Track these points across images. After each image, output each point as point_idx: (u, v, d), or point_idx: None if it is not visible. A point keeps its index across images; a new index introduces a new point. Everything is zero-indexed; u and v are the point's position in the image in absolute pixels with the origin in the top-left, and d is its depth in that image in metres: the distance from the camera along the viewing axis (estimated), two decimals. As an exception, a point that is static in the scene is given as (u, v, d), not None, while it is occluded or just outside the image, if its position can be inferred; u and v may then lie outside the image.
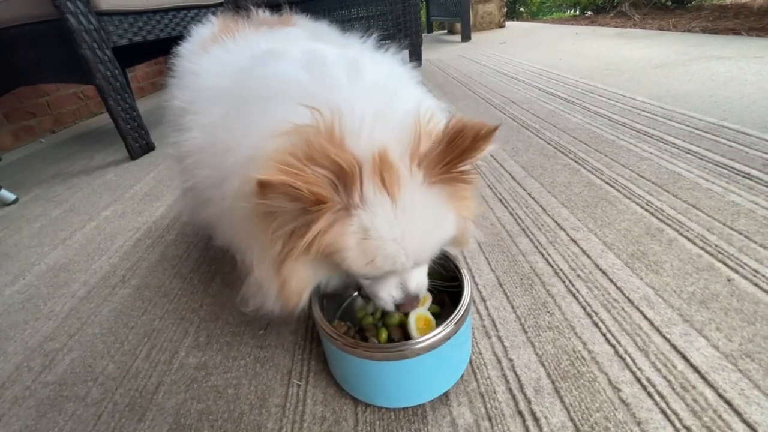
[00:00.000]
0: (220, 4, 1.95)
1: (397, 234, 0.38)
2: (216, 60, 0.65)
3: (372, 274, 0.42)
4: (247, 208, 0.39)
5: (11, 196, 1.32)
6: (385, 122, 0.40)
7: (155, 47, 1.74)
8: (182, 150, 0.58)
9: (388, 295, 0.44)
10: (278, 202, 0.36)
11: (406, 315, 0.55)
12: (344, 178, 0.37)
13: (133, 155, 1.54)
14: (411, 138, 0.40)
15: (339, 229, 0.38)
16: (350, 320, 0.59)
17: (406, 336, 0.51)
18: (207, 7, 1.87)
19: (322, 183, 0.36)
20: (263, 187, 0.34)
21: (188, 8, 1.76)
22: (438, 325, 0.45)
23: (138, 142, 1.55)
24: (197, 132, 0.56)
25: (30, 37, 1.36)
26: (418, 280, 0.45)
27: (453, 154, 0.39)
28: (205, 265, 0.82)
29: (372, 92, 0.44)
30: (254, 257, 0.45)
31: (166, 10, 1.64)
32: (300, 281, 0.43)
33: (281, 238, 0.40)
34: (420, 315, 0.55)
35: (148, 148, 1.59)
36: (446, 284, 0.56)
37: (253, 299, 0.48)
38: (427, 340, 0.42)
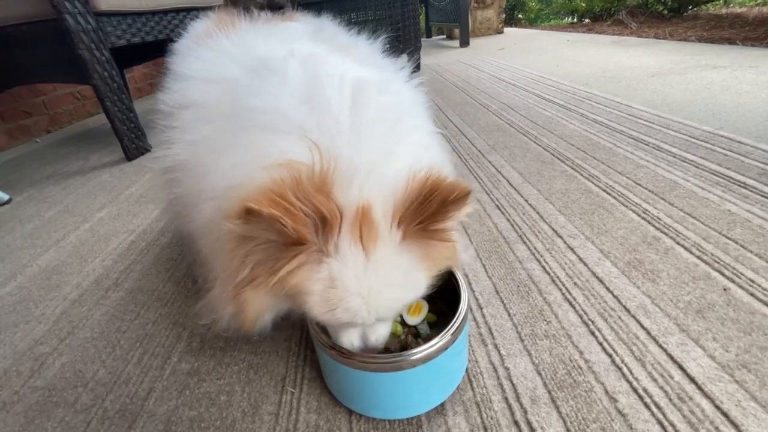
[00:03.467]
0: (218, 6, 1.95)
1: (363, 289, 0.38)
2: (206, 63, 0.61)
3: (331, 322, 0.42)
4: (224, 228, 0.38)
5: (5, 197, 1.30)
6: (377, 178, 0.39)
7: (153, 48, 1.73)
8: (165, 165, 0.56)
9: (348, 341, 0.44)
10: (260, 231, 0.35)
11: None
12: (324, 225, 0.36)
13: (129, 156, 1.53)
14: (398, 196, 0.39)
15: (307, 273, 0.38)
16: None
17: (403, 346, 0.51)
18: (205, 8, 1.87)
19: (307, 224, 0.36)
20: (250, 214, 0.33)
21: (187, 9, 1.75)
22: (434, 335, 0.44)
23: (134, 144, 1.54)
24: (181, 149, 0.54)
25: (27, 36, 1.35)
26: (379, 334, 0.44)
27: (426, 213, 0.38)
28: (199, 269, 0.81)
29: (372, 140, 0.42)
30: (219, 276, 0.45)
31: (165, 12, 1.64)
32: (258, 310, 0.43)
33: (250, 265, 0.39)
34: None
35: (145, 149, 1.59)
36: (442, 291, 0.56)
37: (207, 315, 0.47)
38: (423, 351, 0.42)
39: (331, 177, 0.37)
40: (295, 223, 0.34)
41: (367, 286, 0.38)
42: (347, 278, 0.37)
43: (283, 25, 0.72)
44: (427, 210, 0.37)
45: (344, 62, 0.56)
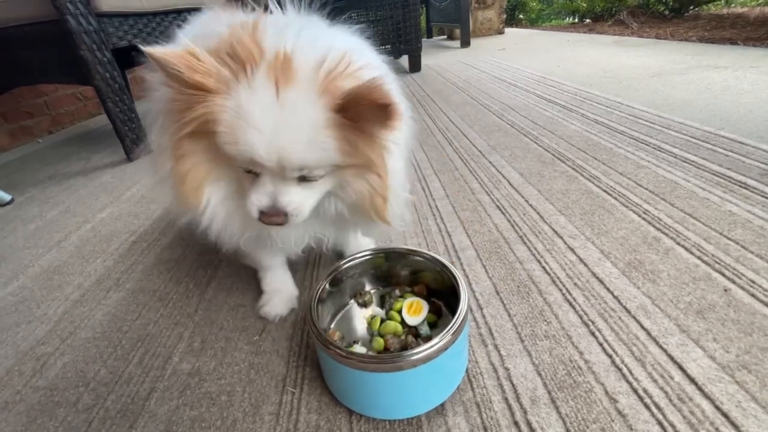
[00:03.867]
0: (221, 7, 1.96)
1: (265, 125, 0.40)
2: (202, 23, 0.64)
3: (239, 158, 0.43)
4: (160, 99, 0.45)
5: (7, 197, 1.31)
6: (308, 43, 0.43)
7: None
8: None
9: (256, 198, 0.45)
10: (176, 88, 0.40)
11: (399, 312, 0.55)
12: (242, 63, 0.40)
13: (131, 157, 1.54)
14: (328, 66, 0.41)
15: (219, 104, 0.40)
16: (346, 328, 0.58)
17: (404, 346, 0.51)
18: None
19: (213, 74, 0.40)
20: (152, 59, 0.38)
21: (188, 10, 1.76)
22: (434, 335, 0.44)
23: (136, 144, 1.54)
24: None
25: (29, 37, 1.36)
26: (292, 199, 0.45)
27: (350, 98, 0.40)
28: (200, 269, 0.82)
29: (307, 28, 0.47)
30: (158, 149, 0.49)
31: (166, 13, 1.64)
32: (195, 176, 0.46)
33: (172, 119, 0.43)
34: (411, 302, 0.56)
35: (146, 150, 1.59)
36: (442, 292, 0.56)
37: (173, 209, 0.52)
38: (423, 351, 0.42)
39: (263, 26, 0.43)
40: (192, 70, 0.39)
41: (270, 123, 0.40)
42: (252, 110, 0.40)
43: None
44: (353, 97, 0.39)
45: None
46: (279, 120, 0.40)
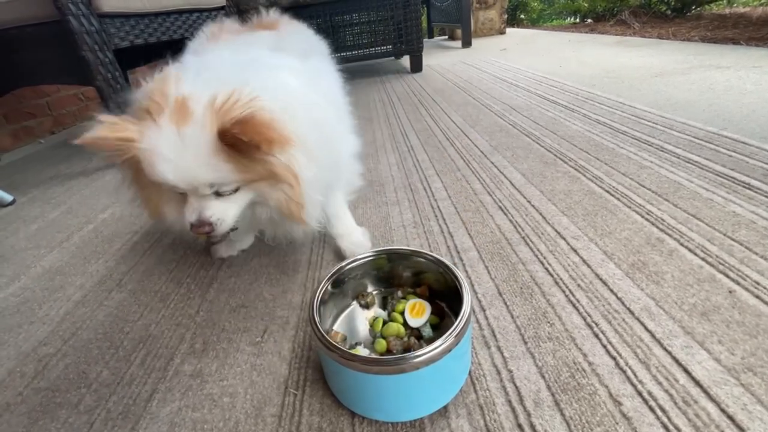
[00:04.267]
0: (222, 8, 1.96)
1: (171, 156, 0.51)
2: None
3: (163, 184, 0.54)
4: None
5: (8, 198, 1.31)
6: (206, 85, 0.54)
7: (157, 50, 1.74)
8: None
9: (187, 214, 0.57)
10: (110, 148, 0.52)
11: (402, 313, 0.56)
12: (152, 113, 0.52)
13: (132, 157, 1.54)
14: (217, 104, 0.51)
15: (139, 147, 0.52)
16: (348, 330, 0.58)
17: (406, 348, 0.51)
18: (209, 10, 1.88)
19: (130, 128, 0.52)
20: (84, 146, 0.51)
21: (190, 11, 1.76)
22: (437, 337, 0.44)
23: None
24: None
25: (31, 38, 1.36)
26: (213, 212, 0.56)
27: (237, 130, 0.49)
28: (202, 270, 0.82)
29: (220, 71, 0.58)
30: (122, 181, 0.64)
31: (168, 13, 1.64)
32: (152, 200, 0.62)
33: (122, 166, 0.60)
34: (413, 303, 0.56)
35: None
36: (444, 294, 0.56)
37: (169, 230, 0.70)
38: (426, 353, 0.42)
39: (177, 75, 0.56)
40: (115, 132, 0.51)
41: (174, 154, 0.51)
42: (161, 147, 0.51)
43: (255, 35, 0.86)
44: (225, 130, 0.49)
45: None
46: (180, 151, 0.51)
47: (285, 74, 0.63)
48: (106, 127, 0.51)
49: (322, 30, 2.51)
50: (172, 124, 0.51)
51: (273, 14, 0.99)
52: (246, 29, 0.91)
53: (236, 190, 0.56)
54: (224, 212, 0.57)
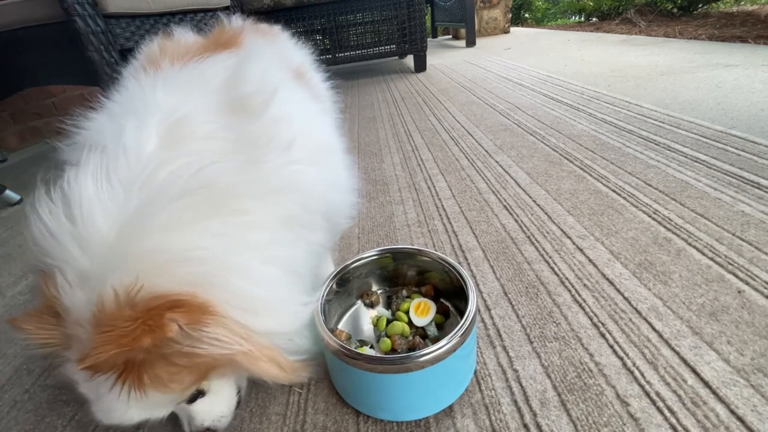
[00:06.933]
0: (227, 7, 1.96)
1: (89, 393, 0.40)
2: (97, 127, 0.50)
3: None
4: None
5: (16, 197, 1.32)
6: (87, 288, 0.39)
7: (161, 50, 1.75)
8: None
9: (186, 425, 0.45)
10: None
11: (407, 312, 0.55)
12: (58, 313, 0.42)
13: (138, 157, 1.54)
14: (100, 311, 0.36)
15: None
16: (353, 329, 0.58)
17: (411, 348, 0.51)
18: (213, 10, 1.88)
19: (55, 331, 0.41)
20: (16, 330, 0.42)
21: (194, 11, 1.77)
22: (442, 337, 0.44)
23: (143, 144, 1.55)
24: None
25: (38, 39, 1.37)
26: (203, 417, 0.44)
27: (129, 335, 0.34)
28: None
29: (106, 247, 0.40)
30: None
31: (173, 14, 1.65)
32: None
33: None
34: (418, 302, 0.56)
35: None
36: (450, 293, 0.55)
37: None
38: (431, 352, 0.42)
39: (57, 276, 0.41)
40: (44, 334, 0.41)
41: (89, 390, 0.40)
42: (75, 375, 0.40)
43: (207, 63, 0.55)
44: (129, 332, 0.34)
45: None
46: (94, 389, 0.39)
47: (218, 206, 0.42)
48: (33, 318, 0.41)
49: (325, 30, 2.53)
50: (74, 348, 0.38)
51: (236, 21, 0.72)
52: (199, 45, 0.60)
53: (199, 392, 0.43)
54: (213, 410, 0.45)
